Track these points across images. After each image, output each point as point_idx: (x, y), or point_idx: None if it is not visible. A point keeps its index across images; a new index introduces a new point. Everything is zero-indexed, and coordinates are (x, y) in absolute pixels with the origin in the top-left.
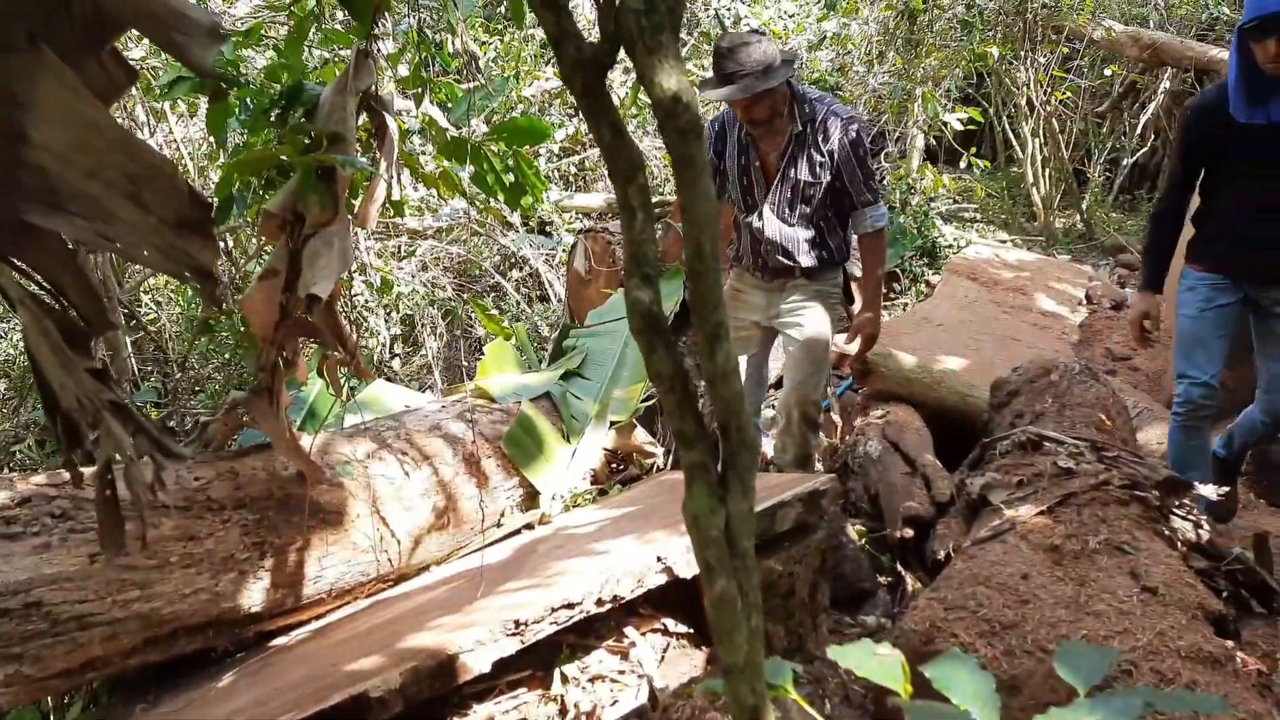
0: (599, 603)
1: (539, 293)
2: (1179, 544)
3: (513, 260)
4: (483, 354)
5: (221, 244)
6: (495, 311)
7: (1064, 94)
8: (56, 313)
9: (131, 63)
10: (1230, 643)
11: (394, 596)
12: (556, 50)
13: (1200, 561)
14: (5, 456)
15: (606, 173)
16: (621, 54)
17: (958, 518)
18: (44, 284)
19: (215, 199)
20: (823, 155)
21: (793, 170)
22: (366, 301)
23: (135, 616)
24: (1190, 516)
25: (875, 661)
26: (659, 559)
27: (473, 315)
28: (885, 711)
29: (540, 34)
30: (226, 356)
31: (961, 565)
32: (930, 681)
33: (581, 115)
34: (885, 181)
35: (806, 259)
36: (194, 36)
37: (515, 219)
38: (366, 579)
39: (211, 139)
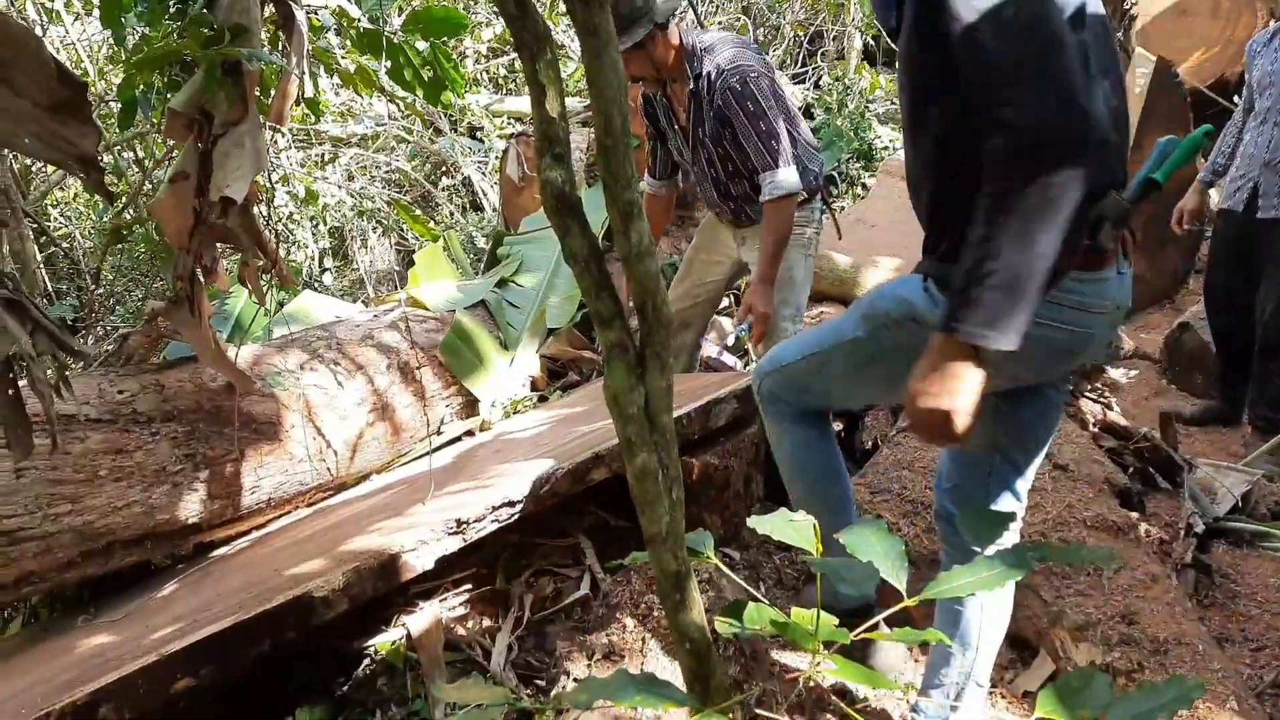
0: (539, 500)
1: (472, 200)
2: (1090, 424)
3: (444, 168)
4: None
5: (130, 151)
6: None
7: None
8: None
9: None
10: (1134, 514)
11: (335, 504)
12: None
13: (1110, 441)
14: None
15: (513, 45)
16: None
17: (885, 410)
18: None
19: (119, 102)
20: (716, 113)
21: (700, 131)
22: (292, 214)
23: (68, 530)
24: (1101, 399)
25: (790, 527)
26: (598, 457)
27: (402, 226)
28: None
29: None
30: (143, 268)
31: (887, 452)
32: (845, 547)
33: None
34: (822, 82)
35: (751, 210)
36: None
37: (444, 125)
38: (305, 488)
39: (110, 38)
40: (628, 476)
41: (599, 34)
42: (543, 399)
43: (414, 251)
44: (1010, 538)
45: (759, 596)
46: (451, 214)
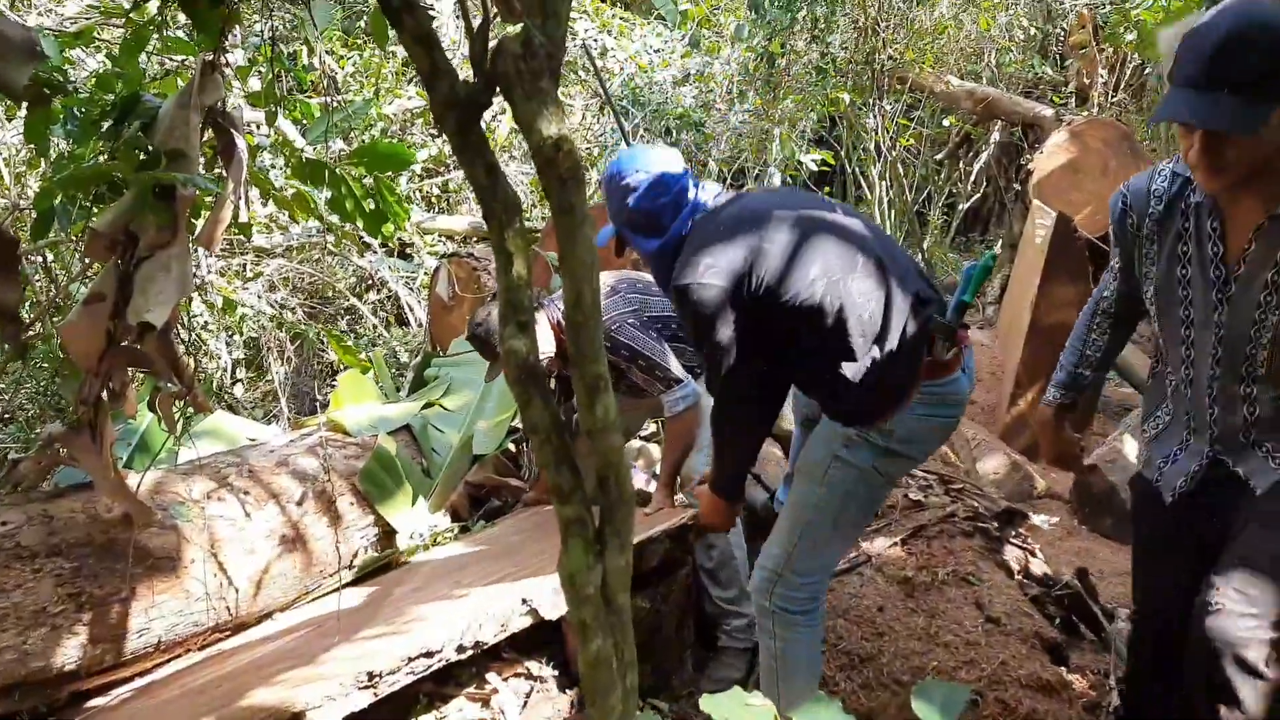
0: (460, 649)
1: (397, 315)
2: (1015, 571)
3: (370, 282)
4: (335, 382)
5: (40, 259)
6: (350, 338)
7: (908, 140)
8: None
9: None
10: (1064, 670)
11: (235, 648)
12: (429, 88)
13: (1034, 588)
14: None
15: (480, 212)
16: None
17: None
18: None
19: (34, 211)
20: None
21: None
22: (206, 323)
23: None
24: (1025, 545)
25: (748, 713)
26: (524, 601)
27: (323, 340)
28: None
29: (402, 50)
30: (41, 384)
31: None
32: None
33: (454, 154)
34: None
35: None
36: (6, 56)
37: (373, 241)
38: (200, 629)
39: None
40: (579, 662)
41: (574, 213)
42: (464, 529)
43: (334, 366)
44: None
45: None
46: (375, 327)
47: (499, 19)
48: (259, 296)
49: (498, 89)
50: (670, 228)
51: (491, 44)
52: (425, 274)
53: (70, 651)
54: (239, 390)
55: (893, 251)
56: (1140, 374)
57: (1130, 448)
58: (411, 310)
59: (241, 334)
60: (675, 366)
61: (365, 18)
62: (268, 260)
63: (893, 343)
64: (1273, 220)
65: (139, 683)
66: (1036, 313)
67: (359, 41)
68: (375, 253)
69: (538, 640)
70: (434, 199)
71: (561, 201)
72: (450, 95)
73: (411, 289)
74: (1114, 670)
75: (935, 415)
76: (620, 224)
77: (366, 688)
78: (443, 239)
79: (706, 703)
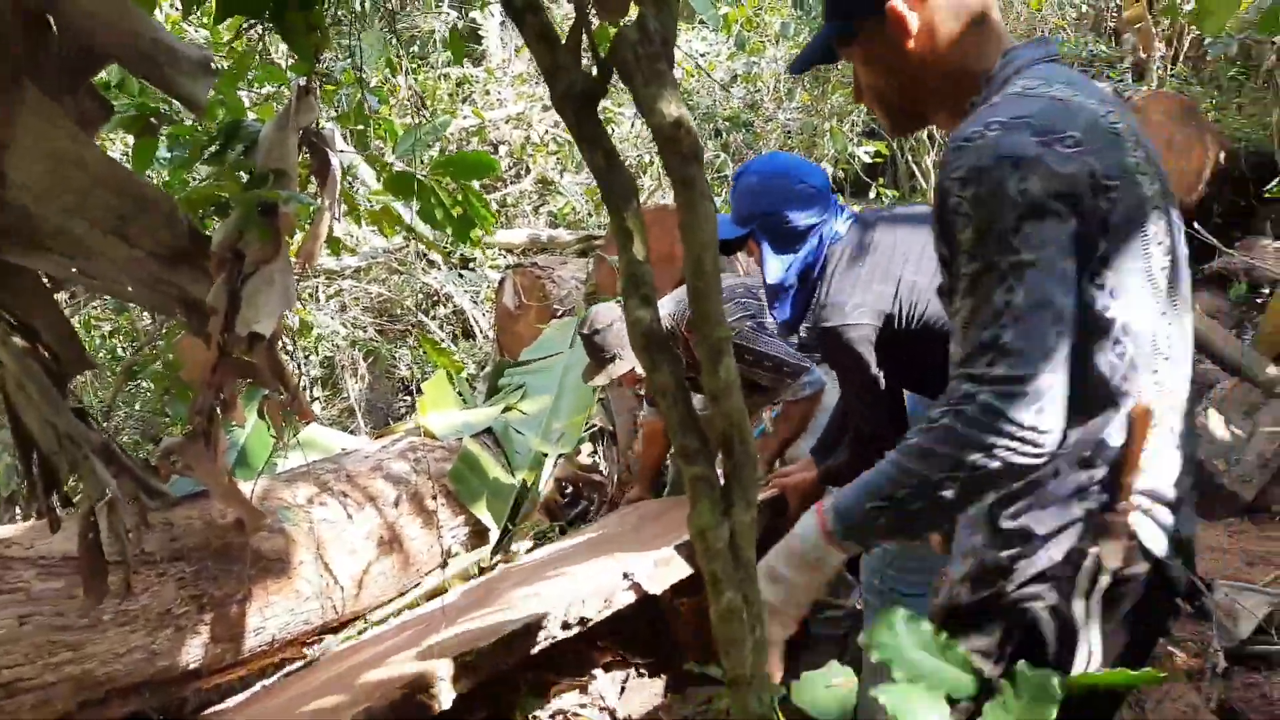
0: (565, 625)
1: (463, 329)
2: None
3: (435, 298)
4: (407, 396)
5: None
6: (422, 351)
7: None
8: (36, 353)
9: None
10: (1164, 640)
11: (347, 649)
12: (550, 81)
13: None
14: None
15: (601, 197)
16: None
17: None
18: (17, 323)
19: None
20: None
21: None
22: (284, 345)
23: (67, 680)
24: None
25: (828, 695)
26: (625, 575)
27: (395, 356)
28: None
29: (456, 73)
30: (149, 406)
31: None
32: None
33: (574, 142)
34: None
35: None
36: (184, 70)
37: (437, 257)
38: (310, 627)
39: None
40: (711, 615)
41: (694, 187)
42: (562, 530)
43: (404, 382)
44: None
45: None
46: (442, 341)
47: (595, 17)
48: (331, 317)
49: (614, 77)
50: (804, 249)
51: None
52: (488, 287)
53: (194, 650)
54: (317, 408)
55: None
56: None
57: (1215, 423)
58: (476, 323)
59: (318, 354)
60: (798, 356)
61: (416, 43)
62: (339, 281)
63: None
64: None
65: (260, 685)
66: None
67: (414, 66)
68: (440, 269)
69: (633, 630)
70: (493, 215)
71: (683, 175)
72: (569, 88)
73: (476, 302)
74: (1215, 641)
75: None
76: (758, 226)
77: (469, 666)
78: (502, 252)
79: (794, 692)
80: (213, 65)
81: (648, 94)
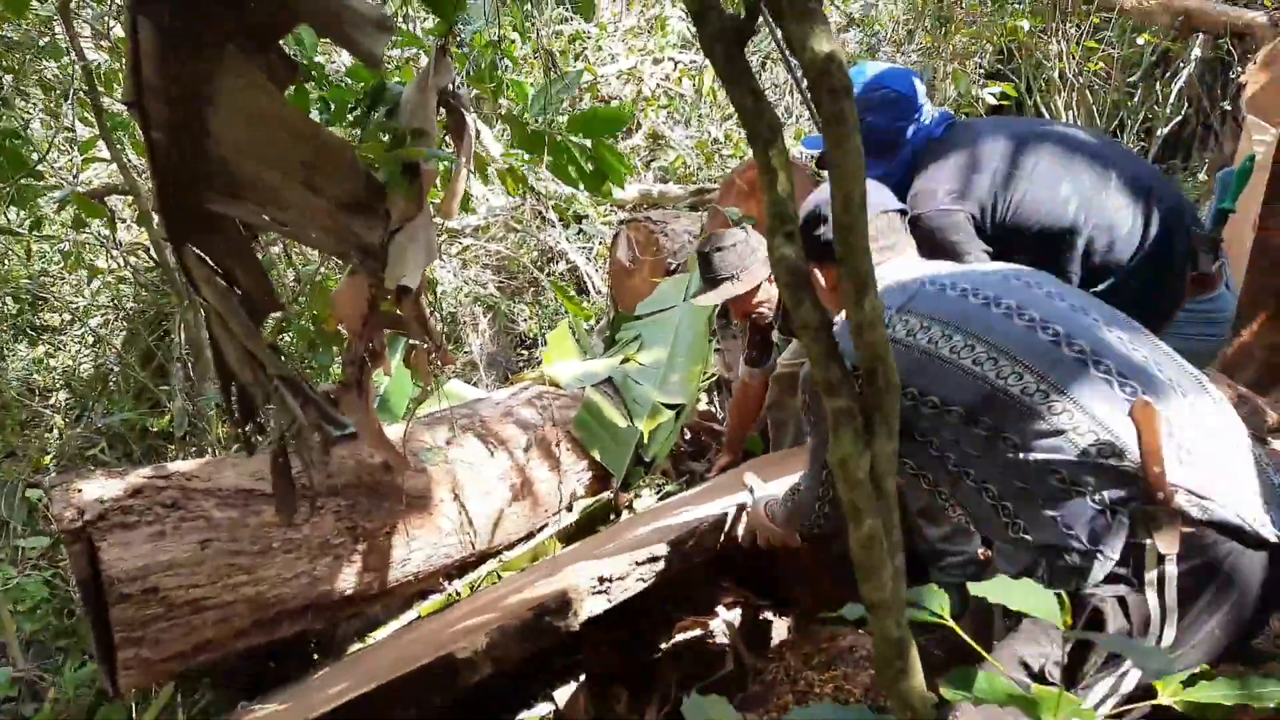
0: (684, 557)
1: (578, 285)
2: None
3: (550, 255)
4: (524, 351)
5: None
6: (537, 308)
7: (1096, 65)
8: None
9: None
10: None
11: (485, 591)
12: (698, 22)
13: None
14: (81, 461)
15: (746, 136)
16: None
17: None
18: (217, 267)
19: None
20: None
21: None
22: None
23: (243, 600)
24: None
25: (1024, 592)
26: (739, 507)
27: (513, 311)
28: None
29: (568, 30)
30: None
31: None
32: None
33: (722, 82)
34: None
35: None
36: (363, 29)
37: (553, 215)
38: (450, 560)
39: None
40: (850, 542)
41: (845, 123)
42: (689, 482)
43: (524, 337)
44: None
45: (996, 664)
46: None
47: None
48: (454, 274)
49: (762, 16)
50: (899, 155)
51: None
52: (599, 243)
53: (349, 578)
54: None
55: (1136, 165)
56: None
57: None
58: (590, 279)
59: (441, 310)
60: None
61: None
62: (459, 239)
63: (1153, 256)
64: None
65: (402, 621)
66: (1261, 235)
67: (525, 26)
68: (554, 227)
69: (756, 573)
70: (629, 167)
71: (833, 112)
72: (719, 28)
73: (589, 259)
74: None
75: (1201, 336)
76: None
77: (600, 592)
78: (613, 209)
79: (977, 588)
80: (388, 22)
81: (799, 31)
